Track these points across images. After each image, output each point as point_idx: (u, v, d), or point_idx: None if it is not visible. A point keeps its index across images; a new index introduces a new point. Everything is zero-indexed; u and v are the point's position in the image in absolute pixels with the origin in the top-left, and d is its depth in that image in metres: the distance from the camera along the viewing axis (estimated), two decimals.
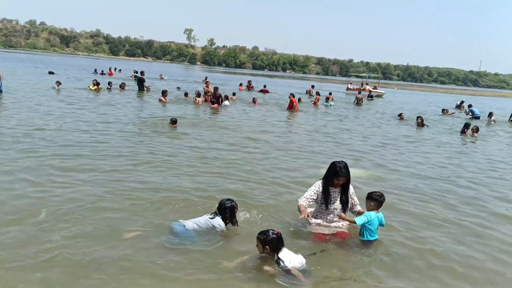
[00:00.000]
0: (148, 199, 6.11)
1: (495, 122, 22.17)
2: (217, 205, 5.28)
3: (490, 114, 22.91)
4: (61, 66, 49.85)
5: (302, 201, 5.21)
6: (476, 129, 16.05)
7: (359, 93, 32.53)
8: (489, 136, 16.89)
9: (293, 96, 20.91)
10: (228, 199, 5.26)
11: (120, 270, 4.12)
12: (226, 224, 5.13)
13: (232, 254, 4.57)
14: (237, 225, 5.21)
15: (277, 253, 4.24)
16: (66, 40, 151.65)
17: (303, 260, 4.31)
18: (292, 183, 7.55)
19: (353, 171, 5.46)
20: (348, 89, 43.28)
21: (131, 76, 37.56)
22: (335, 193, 5.26)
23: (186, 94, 22.76)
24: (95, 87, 22.68)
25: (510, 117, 24.08)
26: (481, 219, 6.41)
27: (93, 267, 4.13)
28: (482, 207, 7.01)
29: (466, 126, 16.35)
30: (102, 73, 38.88)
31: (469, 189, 8.11)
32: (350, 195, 5.35)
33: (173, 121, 12.71)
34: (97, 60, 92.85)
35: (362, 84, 44.71)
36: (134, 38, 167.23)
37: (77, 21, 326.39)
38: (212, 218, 5.09)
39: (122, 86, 24.40)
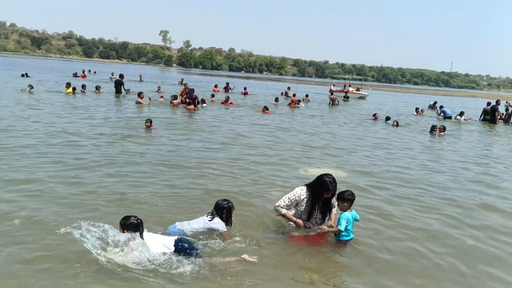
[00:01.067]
0: (130, 200, 6.06)
1: (465, 120, 23.21)
2: (208, 206, 5.35)
3: (461, 113, 24.04)
4: (33, 68, 48.52)
5: (285, 210, 5.18)
6: (443, 129, 16.80)
7: (332, 94, 32.63)
8: (460, 134, 17.49)
9: (267, 109, 20.81)
10: (225, 200, 5.28)
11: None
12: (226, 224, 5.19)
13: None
14: (231, 225, 5.25)
15: None
16: (37, 42, 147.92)
17: (168, 243, 4.37)
18: (269, 183, 7.60)
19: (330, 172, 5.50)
20: (331, 90, 43.21)
21: (110, 78, 37.02)
22: (318, 204, 5.21)
23: (161, 96, 22.65)
24: (70, 90, 22.23)
25: (481, 116, 24.84)
26: (460, 214, 6.61)
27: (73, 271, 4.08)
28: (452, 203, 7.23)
29: (433, 127, 17.12)
30: (75, 76, 38.16)
31: (437, 184, 8.35)
32: (333, 204, 5.33)
33: (150, 122, 12.67)
34: (70, 62, 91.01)
35: (345, 86, 44.67)
36: (108, 40, 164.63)
37: (49, 22, 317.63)
38: (210, 220, 5.09)
39: (97, 89, 24.04)
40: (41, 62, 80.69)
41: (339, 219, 5.13)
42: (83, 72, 40.79)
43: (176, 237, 4.53)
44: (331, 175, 5.14)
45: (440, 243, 5.51)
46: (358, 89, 44.90)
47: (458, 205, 7.17)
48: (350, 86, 44.94)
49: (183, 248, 4.39)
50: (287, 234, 5.28)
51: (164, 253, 4.31)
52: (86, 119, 13.59)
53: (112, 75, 38.57)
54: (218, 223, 5.08)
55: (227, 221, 5.19)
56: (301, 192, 5.21)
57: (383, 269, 4.69)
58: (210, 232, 5.02)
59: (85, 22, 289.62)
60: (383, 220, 6.13)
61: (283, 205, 5.21)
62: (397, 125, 18.53)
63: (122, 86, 24.20)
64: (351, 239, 5.19)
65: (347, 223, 5.08)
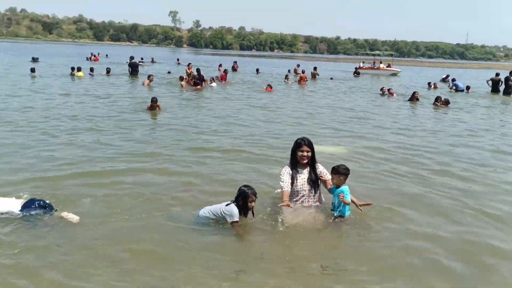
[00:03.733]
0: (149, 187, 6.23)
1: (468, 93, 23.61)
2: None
3: (468, 88, 24.26)
4: (45, 53, 48.88)
5: (287, 188, 5.09)
6: (446, 102, 17.02)
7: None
8: (468, 107, 17.49)
9: (270, 87, 20.46)
10: (245, 185, 4.87)
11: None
12: (241, 213, 4.76)
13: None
14: (245, 216, 4.83)
15: None
16: (48, 27, 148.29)
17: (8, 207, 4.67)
18: (267, 161, 7.69)
19: (328, 149, 5.50)
20: (360, 68, 40.58)
21: (126, 62, 37.04)
22: (303, 174, 5.22)
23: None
24: (81, 73, 22.89)
25: (491, 86, 24.67)
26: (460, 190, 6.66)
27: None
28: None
29: (436, 99, 17.48)
30: (88, 59, 38.39)
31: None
32: (320, 174, 5.29)
33: (154, 101, 12.60)
34: (82, 46, 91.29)
35: (374, 63, 42.50)
36: (119, 23, 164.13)
37: (58, 7, 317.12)
38: (227, 205, 4.75)
39: (107, 71, 24.41)
40: (53, 47, 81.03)
41: (342, 191, 5.05)
42: (95, 56, 41.03)
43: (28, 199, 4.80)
44: (304, 136, 5.28)
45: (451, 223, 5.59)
46: (389, 66, 42.25)
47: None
48: (381, 62, 42.43)
49: (31, 206, 4.68)
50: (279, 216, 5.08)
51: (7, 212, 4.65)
52: (93, 102, 13.84)
53: (132, 59, 38.13)
54: (228, 211, 4.70)
55: (243, 209, 4.75)
56: (285, 169, 5.25)
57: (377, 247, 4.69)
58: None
59: (95, 5, 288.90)
60: (391, 198, 6.20)
61: (288, 182, 5.11)
62: (417, 98, 18.32)
63: (137, 68, 24.94)
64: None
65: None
